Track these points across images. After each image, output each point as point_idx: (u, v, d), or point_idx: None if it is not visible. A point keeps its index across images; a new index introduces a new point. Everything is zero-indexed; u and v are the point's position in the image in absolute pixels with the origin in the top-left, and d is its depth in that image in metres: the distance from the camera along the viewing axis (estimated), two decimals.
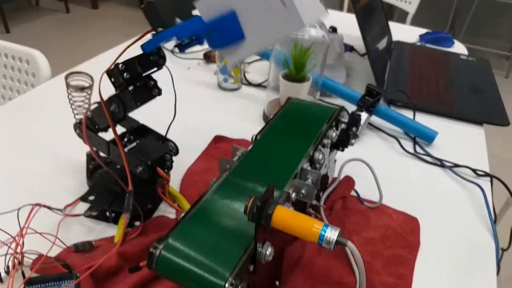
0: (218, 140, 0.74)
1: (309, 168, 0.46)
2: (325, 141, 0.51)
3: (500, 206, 0.96)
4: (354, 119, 0.55)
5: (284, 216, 0.32)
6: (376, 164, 0.70)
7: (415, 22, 1.88)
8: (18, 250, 0.43)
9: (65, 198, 0.59)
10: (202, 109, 0.84)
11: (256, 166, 0.45)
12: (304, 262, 0.50)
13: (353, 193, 0.63)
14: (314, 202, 0.45)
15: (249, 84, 0.94)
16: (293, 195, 0.42)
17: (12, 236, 0.44)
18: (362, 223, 0.58)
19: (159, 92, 0.52)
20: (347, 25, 1.27)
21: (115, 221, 0.56)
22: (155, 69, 0.52)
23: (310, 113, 0.55)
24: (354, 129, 0.56)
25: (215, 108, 0.85)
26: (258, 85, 0.93)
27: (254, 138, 0.51)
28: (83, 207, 0.58)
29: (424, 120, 0.86)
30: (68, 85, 0.57)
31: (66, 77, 0.57)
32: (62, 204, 0.56)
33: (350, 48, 1.13)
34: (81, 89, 0.57)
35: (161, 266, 0.35)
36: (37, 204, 0.48)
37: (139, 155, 0.54)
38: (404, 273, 0.52)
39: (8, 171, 0.64)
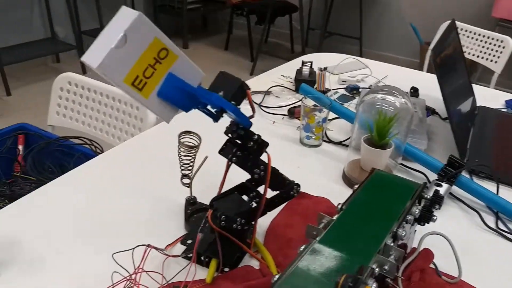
0: (300, 196, 0.80)
1: (392, 244, 0.50)
2: (409, 217, 0.54)
3: None
4: (438, 198, 0.58)
5: None
6: (455, 237, 0.71)
7: (499, 83, 1.83)
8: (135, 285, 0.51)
9: (165, 238, 0.67)
10: (284, 163, 0.90)
11: (342, 238, 0.50)
12: None
13: (431, 265, 0.65)
14: (386, 276, 0.48)
15: (330, 141, 0.99)
16: (377, 270, 0.46)
17: (129, 273, 0.52)
18: None
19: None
20: (428, 86, 1.29)
21: (207, 265, 0.63)
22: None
23: (394, 188, 0.59)
24: (437, 206, 0.59)
25: (296, 163, 0.91)
26: (339, 143, 0.98)
27: (340, 208, 0.56)
28: (180, 248, 0.66)
29: (509, 194, 0.85)
30: (179, 143, 0.66)
31: (179, 135, 0.66)
32: (163, 242, 0.65)
33: (432, 112, 1.15)
34: (190, 147, 0.66)
35: None
36: (148, 245, 0.57)
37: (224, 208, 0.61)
38: None
39: (115, 209, 0.74)
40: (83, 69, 3.18)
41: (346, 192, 0.83)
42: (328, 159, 0.93)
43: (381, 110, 0.80)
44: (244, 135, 0.57)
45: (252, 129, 0.60)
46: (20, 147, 1.27)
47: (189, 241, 0.65)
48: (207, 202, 0.73)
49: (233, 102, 0.54)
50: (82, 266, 0.61)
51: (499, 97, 1.33)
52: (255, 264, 0.64)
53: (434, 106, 1.19)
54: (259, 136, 0.58)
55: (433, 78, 1.45)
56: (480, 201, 0.81)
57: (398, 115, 0.80)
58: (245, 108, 0.55)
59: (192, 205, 0.73)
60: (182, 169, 0.69)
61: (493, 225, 0.76)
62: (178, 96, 0.51)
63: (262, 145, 0.58)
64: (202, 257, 0.63)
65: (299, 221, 0.74)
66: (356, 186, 0.61)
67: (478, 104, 1.22)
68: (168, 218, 0.72)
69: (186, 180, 0.72)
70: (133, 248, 0.55)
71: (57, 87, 1.22)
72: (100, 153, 1.23)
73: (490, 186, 0.83)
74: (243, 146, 0.58)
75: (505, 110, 1.22)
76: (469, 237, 0.73)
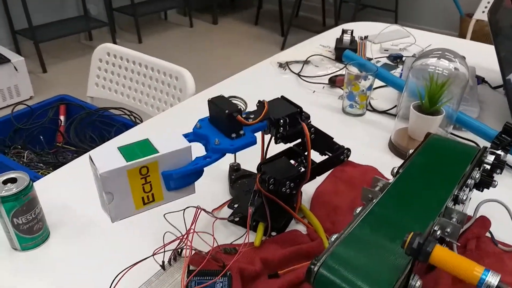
0: (345, 164, 0.78)
1: (454, 207, 0.47)
2: (469, 181, 0.52)
3: None
4: (500, 162, 0.54)
5: (445, 256, 0.35)
6: (510, 204, 0.67)
7: None
8: (187, 245, 0.51)
9: (212, 201, 0.67)
10: (326, 131, 0.89)
11: (400, 200, 0.48)
12: None
13: (487, 233, 0.62)
14: (448, 239, 0.46)
15: (374, 110, 0.96)
16: (439, 232, 0.44)
17: (181, 234, 0.52)
18: (496, 267, 0.57)
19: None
20: (475, 55, 1.22)
21: (254, 228, 0.62)
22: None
23: (454, 152, 0.56)
24: (498, 171, 0.55)
25: (340, 132, 0.88)
26: (384, 112, 0.95)
27: (396, 172, 0.54)
28: (226, 211, 0.66)
29: None
30: None
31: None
32: (210, 206, 0.65)
33: (482, 80, 1.09)
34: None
35: (318, 282, 0.39)
36: (198, 207, 0.57)
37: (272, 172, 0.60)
38: None
39: None
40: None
41: (393, 161, 0.80)
42: (373, 129, 0.90)
43: (433, 74, 0.76)
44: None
45: (292, 98, 0.58)
46: (62, 118, 1.30)
47: (235, 205, 0.65)
48: (251, 169, 0.73)
49: (233, 135, 0.52)
50: (135, 227, 0.62)
51: None
52: (302, 229, 0.63)
53: (482, 75, 1.12)
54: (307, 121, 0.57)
55: (479, 47, 1.38)
56: None
57: (452, 80, 0.76)
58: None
59: (236, 171, 0.73)
60: None
61: None
62: (184, 180, 0.50)
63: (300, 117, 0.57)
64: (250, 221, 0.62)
65: (345, 189, 0.72)
66: (411, 151, 0.58)
67: None
68: (212, 184, 0.72)
69: None
70: (184, 209, 0.55)
71: (96, 58, 1.23)
72: (140, 123, 1.25)
73: None
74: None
75: None
76: None
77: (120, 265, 0.51)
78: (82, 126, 1.24)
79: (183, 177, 0.50)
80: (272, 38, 3.55)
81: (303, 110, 0.57)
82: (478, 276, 0.34)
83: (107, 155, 0.47)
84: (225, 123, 0.52)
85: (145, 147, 0.48)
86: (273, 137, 0.57)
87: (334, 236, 0.44)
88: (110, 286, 0.50)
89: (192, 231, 0.52)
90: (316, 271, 0.40)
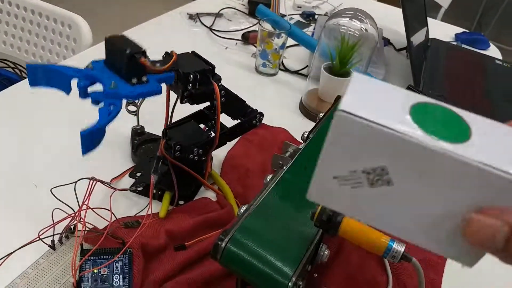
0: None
1: None
2: None
3: None
4: None
5: (352, 227, 0.34)
6: None
7: (445, 19, 1.84)
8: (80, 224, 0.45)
9: (111, 170, 0.60)
10: (238, 92, 0.84)
11: (310, 168, 0.47)
12: (341, 259, 0.53)
13: None
14: None
15: (287, 70, 0.94)
16: None
17: (74, 211, 0.46)
18: None
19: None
20: (381, 17, 1.25)
21: (160, 198, 0.58)
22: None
23: None
24: None
25: (251, 92, 0.86)
26: (296, 72, 0.93)
27: (306, 136, 0.52)
28: (128, 180, 0.60)
29: None
30: None
31: None
32: (108, 175, 0.58)
33: (387, 42, 1.12)
34: None
35: (226, 259, 0.37)
36: (92, 178, 0.50)
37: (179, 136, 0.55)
38: (434, 278, 0.54)
39: (48, 140, 0.65)
40: None
41: (304, 123, 0.80)
42: (285, 89, 0.89)
43: (344, 36, 0.76)
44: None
45: (203, 55, 0.53)
46: None
47: (138, 174, 0.59)
48: (157, 133, 0.67)
49: (134, 80, 0.44)
50: (17, 204, 0.54)
51: (448, 30, 1.34)
52: (212, 196, 0.60)
53: (388, 37, 1.16)
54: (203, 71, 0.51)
55: (386, 8, 1.42)
56: None
57: (362, 42, 0.76)
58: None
59: (139, 135, 0.66)
60: None
61: None
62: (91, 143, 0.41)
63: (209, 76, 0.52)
64: (154, 190, 0.57)
65: (257, 152, 0.70)
66: (322, 115, 0.57)
67: (430, 36, 1.22)
68: (112, 150, 0.65)
69: (132, 108, 0.64)
70: (75, 182, 0.48)
71: None
72: (27, 78, 1.08)
73: None
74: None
75: (455, 43, 1.23)
76: None
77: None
78: None
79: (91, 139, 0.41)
80: None
81: (215, 69, 0.52)
82: (385, 245, 0.34)
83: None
84: (125, 66, 0.43)
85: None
86: (179, 97, 0.51)
87: (243, 208, 0.41)
88: None
89: (85, 206, 0.46)
90: (224, 247, 0.37)
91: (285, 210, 0.41)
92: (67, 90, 0.44)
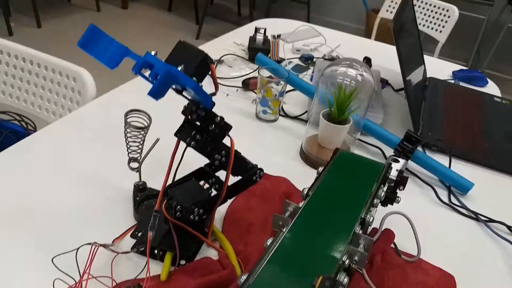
0: None
1: (360, 232, 0.47)
2: (375, 201, 0.52)
3: None
4: (403, 179, 0.56)
5: None
6: (412, 213, 0.70)
7: (442, 53, 1.88)
8: None
9: (111, 230, 0.60)
10: (240, 138, 0.86)
11: (311, 229, 0.47)
12: None
13: (391, 245, 0.64)
14: (356, 267, 0.47)
15: (287, 116, 0.95)
16: (347, 262, 0.44)
17: (75, 281, 0.46)
18: (400, 278, 0.59)
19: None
20: (379, 56, 1.28)
21: (162, 259, 0.57)
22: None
23: (361, 170, 0.56)
24: (401, 187, 0.57)
25: (252, 139, 0.87)
26: (296, 118, 0.95)
27: (306, 194, 0.52)
28: (130, 240, 0.60)
29: (460, 167, 0.87)
30: (126, 123, 0.59)
31: (126, 115, 0.59)
32: (110, 235, 0.58)
33: (386, 83, 1.14)
34: (139, 128, 0.59)
35: None
36: (94, 243, 0.51)
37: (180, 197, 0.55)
38: None
39: (51, 199, 0.66)
40: (9, 31, 2.86)
41: (304, 170, 0.80)
42: (286, 134, 0.90)
43: (342, 84, 0.77)
44: (205, 116, 0.51)
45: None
46: None
47: (139, 234, 0.60)
48: (159, 188, 0.67)
49: (194, 78, 0.47)
50: (15, 275, 0.54)
51: (446, 68, 1.35)
52: (214, 254, 0.60)
53: (386, 77, 1.18)
54: (222, 118, 0.52)
55: (383, 47, 1.45)
56: (433, 175, 0.82)
57: (359, 90, 0.77)
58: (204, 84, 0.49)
59: (141, 191, 0.67)
60: (129, 152, 0.62)
61: (446, 200, 0.77)
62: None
63: (225, 128, 0.53)
64: (156, 251, 0.57)
65: (259, 203, 0.70)
66: (321, 169, 0.58)
67: (428, 75, 1.24)
68: (114, 207, 0.65)
69: (134, 164, 0.65)
70: (77, 249, 0.48)
71: None
72: (33, 131, 1.11)
73: (442, 159, 0.84)
74: (203, 129, 0.52)
75: (453, 81, 1.25)
76: (424, 212, 0.74)
77: None
78: None
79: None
80: (187, 26, 3.43)
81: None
82: None
83: None
84: (196, 63, 0.45)
85: None
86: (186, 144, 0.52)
87: (243, 278, 0.41)
88: None
89: (87, 276, 0.46)
90: None
91: (289, 280, 0.41)
92: (112, 64, 0.42)
